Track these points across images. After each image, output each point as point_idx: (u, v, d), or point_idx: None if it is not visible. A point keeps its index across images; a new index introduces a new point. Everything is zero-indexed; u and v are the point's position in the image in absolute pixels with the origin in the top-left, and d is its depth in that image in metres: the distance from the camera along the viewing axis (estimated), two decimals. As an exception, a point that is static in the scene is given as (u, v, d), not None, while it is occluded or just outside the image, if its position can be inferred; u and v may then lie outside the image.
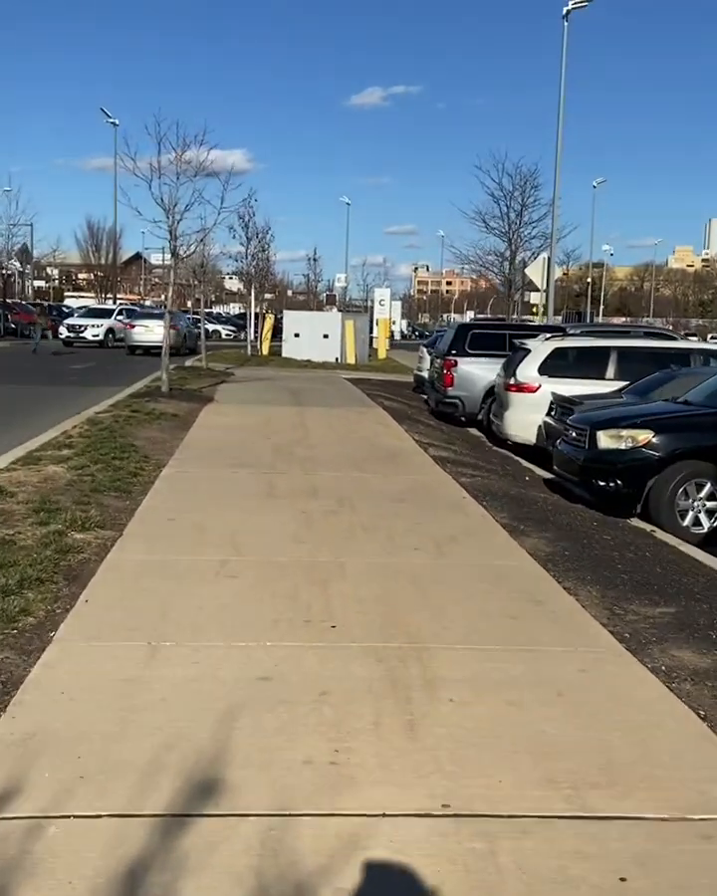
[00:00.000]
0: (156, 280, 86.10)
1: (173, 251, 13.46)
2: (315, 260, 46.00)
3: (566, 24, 24.27)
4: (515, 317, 33.88)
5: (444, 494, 7.68)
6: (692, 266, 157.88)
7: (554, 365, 12.77)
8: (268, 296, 57.56)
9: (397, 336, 51.38)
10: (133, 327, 29.14)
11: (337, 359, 27.83)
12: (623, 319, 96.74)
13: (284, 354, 28.60)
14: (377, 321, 36.95)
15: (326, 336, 28.11)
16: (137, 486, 7.43)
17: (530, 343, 13.18)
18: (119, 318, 33.12)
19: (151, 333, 27.39)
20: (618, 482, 8.32)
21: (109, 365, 24.14)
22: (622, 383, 11.91)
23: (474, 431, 14.99)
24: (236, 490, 7.49)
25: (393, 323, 45.51)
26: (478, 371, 15.17)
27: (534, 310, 39.45)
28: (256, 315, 31.62)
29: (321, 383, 19.14)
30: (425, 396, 18.95)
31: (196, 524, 6.23)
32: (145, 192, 13.48)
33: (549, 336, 13.27)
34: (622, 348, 12.74)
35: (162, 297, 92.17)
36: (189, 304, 49.56)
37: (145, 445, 9.48)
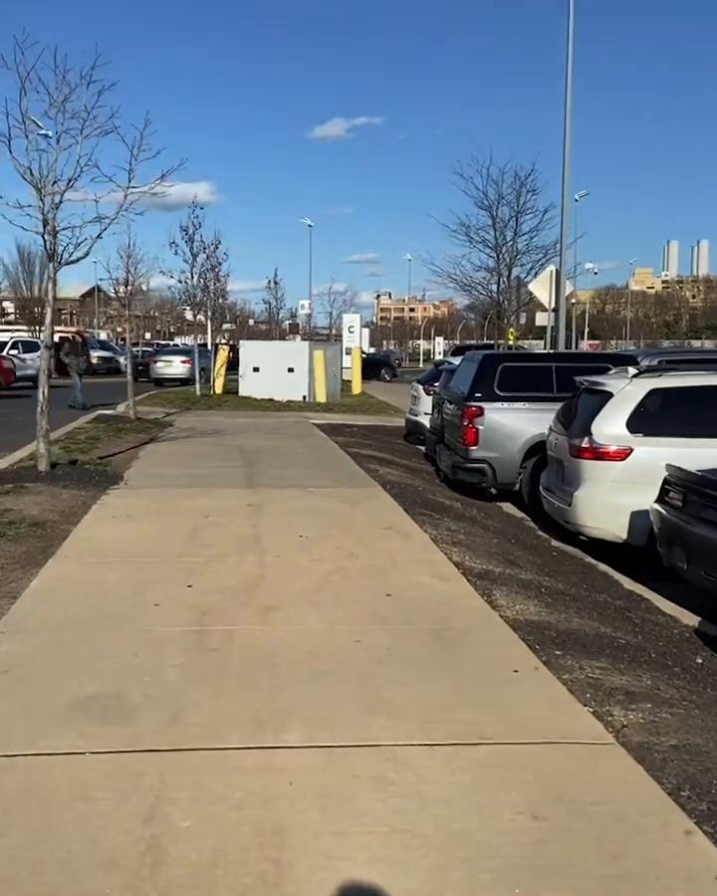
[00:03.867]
0: (113, 312, 79.39)
1: (50, 252, 8.48)
2: (276, 283, 41.03)
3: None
4: (502, 344, 29.38)
5: (669, 865, 2.79)
6: (653, 288, 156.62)
7: (648, 417, 8.09)
8: (228, 325, 52.80)
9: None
10: (157, 362, 32.14)
11: (304, 398, 22.99)
12: (597, 342, 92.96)
13: (241, 392, 23.77)
14: (348, 350, 32.11)
15: (291, 371, 23.27)
16: None
17: (607, 382, 8.48)
18: (11, 352, 27.93)
19: (171, 367, 30.73)
20: None
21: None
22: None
23: (511, 508, 10.28)
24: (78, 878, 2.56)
25: (363, 352, 40.70)
26: (514, 423, 10.46)
27: (510, 333, 34.29)
28: (203, 345, 26.50)
29: (286, 437, 14.20)
30: (423, 448, 14.24)
31: None
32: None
33: (636, 371, 8.52)
34: (756, 389, 8.12)
35: (120, 329, 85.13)
36: (148, 335, 45.19)
37: None
